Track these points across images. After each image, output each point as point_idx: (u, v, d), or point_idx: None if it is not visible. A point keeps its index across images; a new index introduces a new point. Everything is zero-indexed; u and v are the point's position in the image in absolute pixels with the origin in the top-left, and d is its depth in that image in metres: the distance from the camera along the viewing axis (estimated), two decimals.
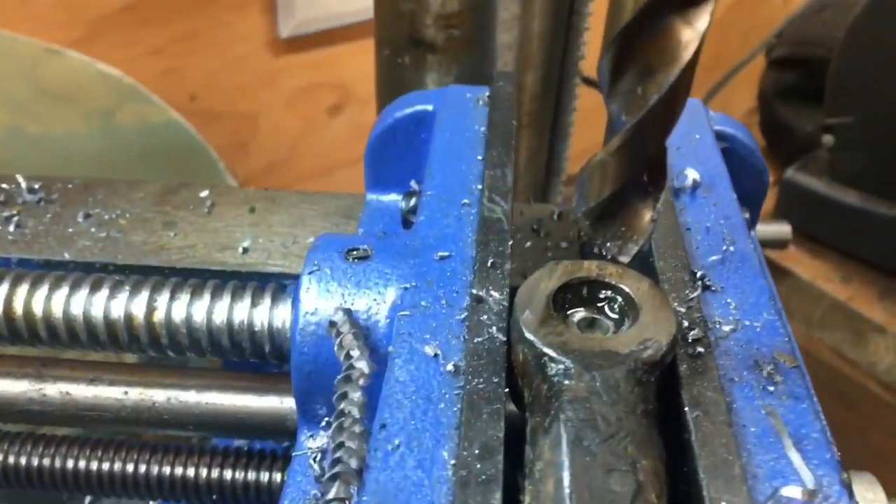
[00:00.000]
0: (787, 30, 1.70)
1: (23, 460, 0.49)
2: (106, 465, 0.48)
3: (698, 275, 0.38)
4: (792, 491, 0.29)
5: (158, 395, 0.47)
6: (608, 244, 0.33)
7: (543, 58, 0.83)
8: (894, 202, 1.28)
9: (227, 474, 0.50)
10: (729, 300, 0.38)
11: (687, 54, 0.26)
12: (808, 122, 1.54)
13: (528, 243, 0.50)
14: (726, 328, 0.36)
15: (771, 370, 0.34)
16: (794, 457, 0.30)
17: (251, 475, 0.49)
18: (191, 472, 0.48)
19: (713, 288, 0.38)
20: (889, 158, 1.29)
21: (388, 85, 0.87)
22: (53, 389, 0.47)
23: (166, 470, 0.48)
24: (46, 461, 0.49)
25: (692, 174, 0.45)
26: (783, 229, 0.87)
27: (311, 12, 1.53)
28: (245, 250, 0.54)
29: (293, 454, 0.39)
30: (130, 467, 0.48)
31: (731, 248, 0.41)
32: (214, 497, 0.48)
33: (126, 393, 0.46)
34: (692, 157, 0.47)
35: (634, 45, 0.27)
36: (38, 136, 1.23)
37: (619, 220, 0.32)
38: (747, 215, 0.48)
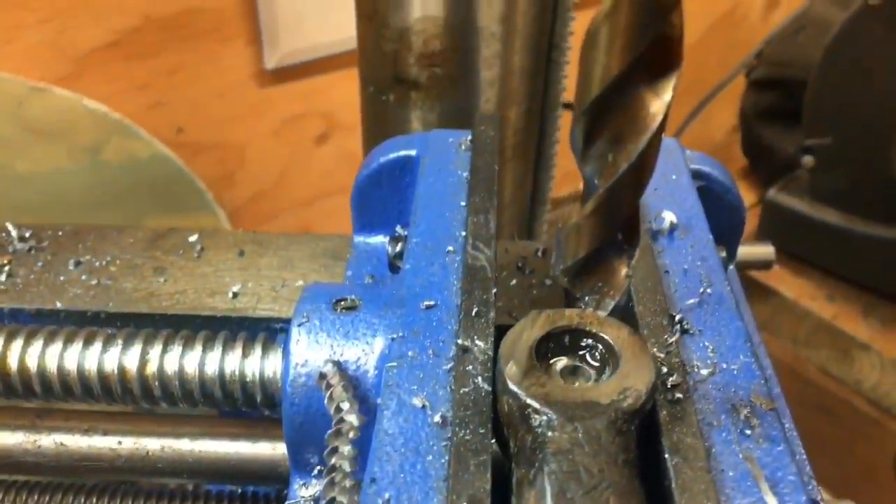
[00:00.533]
0: (765, 51, 1.73)
1: None
2: None
3: (677, 318, 0.39)
4: None
5: (152, 444, 0.47)
6: (586, 298, 0.34)
7: (526, 92, 0.84)
8: (874, 221, 1.30)
9: None
10: (706, 343, 0.39)
11: (655, 123, 0.28)
12: (789, 143, 1.57)
13: (513, 281, 0.52)
14: (704, 371, 0.37)
15: (748, 413, 0.35)
16: (771, 500, 0.31)
17: None
18: None
19: (691, 331, 0.39)
20: (867, 178, 1.31)
21: (372, 121, 0.88)
22: (48, 440, 0.48)
23: None
24: None
25: (669, 216, 0.46)
26: (767, 250, 0.89)
27: (295, 43, 1.55)
28: (235, 295, 0.55)
29: (286, 503, 0.40)
30: None
31: (709, 290, 0.42)
32: None
33: (120, 443, 0.47)
34: (669, 199, 0.48)
35: (604, 116, 0.28)
36: (26, 174, 1.23)
37: (596, 276, 0.33)
38: (723, 254, 0.50)
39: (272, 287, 0.57)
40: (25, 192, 1.23)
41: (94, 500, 0.50)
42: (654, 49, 0.28)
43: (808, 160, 1.36)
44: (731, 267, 0.58)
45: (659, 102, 0.28)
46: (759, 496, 0.32)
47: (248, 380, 0.43)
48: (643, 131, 0.28)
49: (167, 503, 0.49)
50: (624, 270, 0.33)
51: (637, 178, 0.29)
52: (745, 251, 0.84)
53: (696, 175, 0.53)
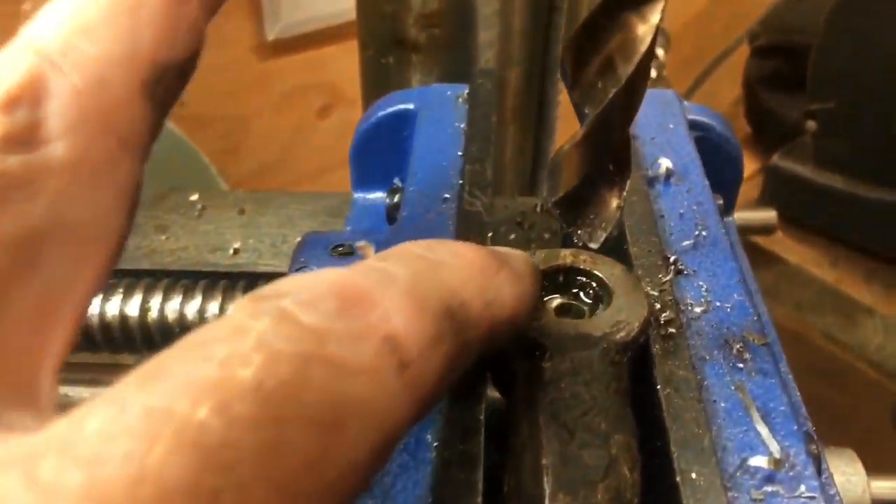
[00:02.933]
0: (769, 18, 1.72)
1: None
2: None
3: (671, 259, 0.40)
4: (759, 461, 0.30)
5: None
6: (579, 231, 0.34)
7: (525, 54, 0.84)
8: (878, 185, 1.30)
9: None
10: (701, 283, 0.39)
11: (642, 47, 0.28)
12: (793, 109, 1.56)
13: (512, 236, 0.52)
14: (698, 310, 0.37)
15: (740, 348, 0.35)
16: (762, 429, 0.32)
17: None
18: None
19: (685, 272, 0.39)
20: (871, 142, 1.30)
21: (373, 85, 0.88)
22: None
23: None
24: None
25: (665, 163, 0.46)
26: (769, 215, 0.89)
27: (296, 15, 1.54)
28: (236, 251, 0.56)
29: None
30: None
31: (704, 234, 0.42)
32: None
33: None
34: (666, 147, 0.48)
35: (592, 42, 0.29)
36: None
37: (588, 207, 0.33)
38: (721, 201, 0.50)
39: (272, 243, 0.57)
40: None
41: None
42: None
43: (811, 125, 1.35)
44: (730, 219, 0.58)
45: (646, 26, 0.28)
46: (751, 425, 0.32)
47: None
48: (632, 55, 0.28)
49: None
50: (615, 202, 0.33)
51: (627, 103, 0.30)
52: (748, 216, 0.83)
53: (694, 125, 0.53)
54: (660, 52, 1.34)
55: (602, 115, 0.29)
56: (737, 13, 2.04)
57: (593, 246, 0.34)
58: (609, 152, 0.31)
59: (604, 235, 0.34)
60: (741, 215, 0.64)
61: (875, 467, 0.45)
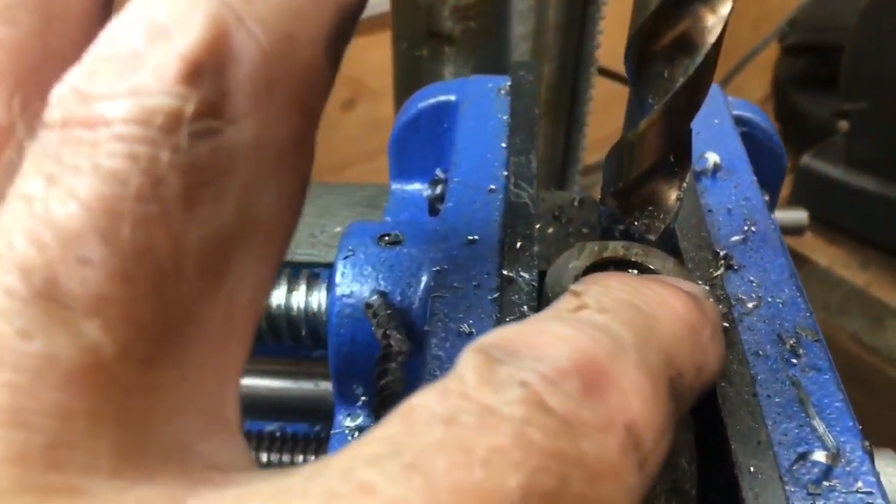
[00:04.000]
0: (799, 16, 1.70)
1: None
2: None
3: (721, 254, 0.39)
4: (816, 455, 0.30)
5: None
6: (636, 223, 0.34)
7: (559, 48, 0.84)
8: None
9: (262, 457, 0.51)
10: (751, 278, 0.39)
11: (711, 38, 0.27)
12: (824, 109, 1.54)
13: (551, 230, 0.52)
14: (749, 305, 0.37)
15: (793, 343, 0.35)
16: (818, 424, 0.31)
17: (285, 457, 0.51)
18: None
19: (735, 266, 0.39)
20: None
21: (405, 78, 0.88)
22: None
23: None
24: None
25: (713, 157, 0.46)
26: (800, 216, 0.88)
27: None
28: None
29: (332, 432, 0.41)
30: None
31: (753, 229, 0.42)
32: None
33: None
34: (712, 141, 0.48)
35: (660, 31, 0.28)
36: None
37: (647, 199, 0.33)
38: (767, 198, 0.49)
39: (310, 233, 0.58)
40: None
41: None
42: None
43: (843, 125, 1.34)
44: (774, 215, 0.57)
45: (715, 17, 0.27)
46: (806, 420, 0.32)
47: (293, 314, 0.43)
48: (700, 47, 0.28)
49: None
50: (675, 194, 0.33)
51: (692, 95, 0.29)
52: (778, 216, 0.83)
53: (739, 121, 0.53)
54: None
55: (668, 106, 0.29)
56: (767, 10, 2.02)
57: (651, 238, 0.34)
58: (671, 144, 0.31)
59: (662, 227, 0.34)
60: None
61: None
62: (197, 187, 0.18)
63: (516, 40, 0.81)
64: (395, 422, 0.18)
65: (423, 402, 0.18)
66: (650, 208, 0.33)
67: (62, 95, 0.18)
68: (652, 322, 0.23)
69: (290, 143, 0.20)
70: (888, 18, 1.28)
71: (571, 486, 0.17)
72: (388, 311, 0.37)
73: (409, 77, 0.88)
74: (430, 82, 0.86)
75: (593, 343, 0.20)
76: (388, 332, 0.35)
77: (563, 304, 0.24)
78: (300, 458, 0.51)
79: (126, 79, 0.18)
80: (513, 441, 0.17)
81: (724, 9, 0.27)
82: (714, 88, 0.53)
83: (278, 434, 0.52)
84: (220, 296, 0.19)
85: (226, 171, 0.19)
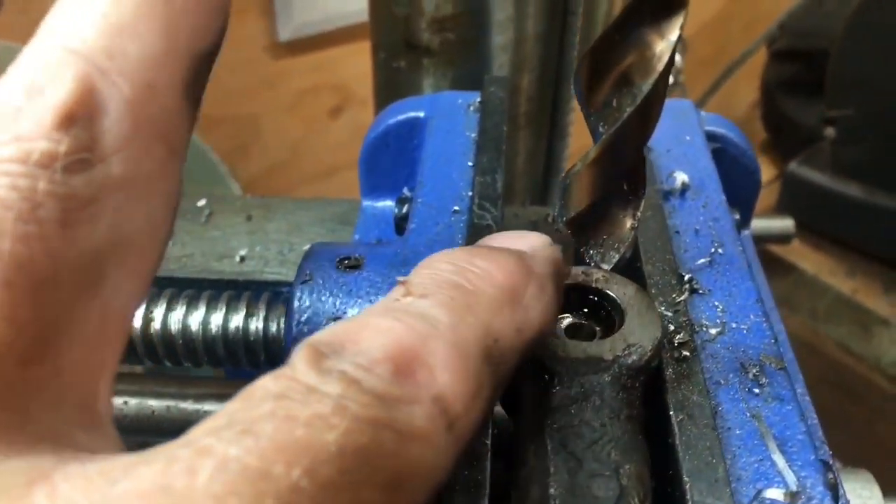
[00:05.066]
0: (788, 22, 1.70)
1: None
2: None
3: (686, 278, 0.39)
4: (774, 493, 0.29)
5: (158, 404, 0.47)
6: (591, 252, 0.33)
7: (539, 58, 0.83)
8: None
9: None
10: (716, 303, 0.38)
11: (660, 65, 0.27)
12: (811, 115, 1.54)
13: None
14: (713, 331, 0.36)
15: (756, 372, 0.34)
16: (778, 459, 0.31)
17: None
18: None
19: (700, 291, 0.38)
20: (891, 150, 1.28)
21: (385, 89, 0.87)
22: None
23: None
24: None
25: (681, 177, 0.45)
26: (786, 224, 0.87)
27: (308, 15, 1.54)
28: (242, 259, 0.55)
29: None
30: None
31: (720, 251, 0.41)
32: None
33: (126, 403, 0.47)
34: (682, 160, 0.47)
35: (608, 59, 0.27)
36: None
37: (601, 228, 0.32)
38: (737, 216, 0.48)
39: (279, 251, 0.57)
40: None
41: None
42: None
43: (829, 132, 1.33)
44: (747, 232, 0.57)
45: (664, 43, 0.26)
46: (767, 454, 0.31)
47: (251, 338, 0.42)
48: (648, 74, 0.27)
49: None
50: (629, 223, 0.32)
51: (642, 123, 0.28)
52: (764, 224, 0.82)
53: (711, 137, 0.52)
54: (676, 56, 1.32)
55: (616, 135, 0.28)
56: (756, 15, 2.02)
57: (605, 267, 0.33)
58: (623, 172, 0.30)
59: (616, 257, 0.33)
60: (758, 223, 0.63)
61: (891, 485, 0.44)
62: (73, 211, 0.22)
63: (495, 51, 0.80)
64: (235, 401, 0.21)
65: (260, 384, 0.21)
66: (604, 237, 0.33)
67: None
68: (471, 298, 0.26)
69: (156, 174, 0.24)
70: (873, 25, 1.27)
71: (384, 446, 0.20)
72: None
73: (389, 88, 0.87)
74: (409, 93, 0.85)
75: (408, 330, 0.23)
76: None
77: (393, 293, 0.27)
78: None
79: (10, 129, 0.22)
80: (331, 410, 0.20)
81: (673, 34, 0.26)
82: (686, 104, 0.53)
83: None
84: (94, 304, 0.23)
85: (98, 198, 0.22)
